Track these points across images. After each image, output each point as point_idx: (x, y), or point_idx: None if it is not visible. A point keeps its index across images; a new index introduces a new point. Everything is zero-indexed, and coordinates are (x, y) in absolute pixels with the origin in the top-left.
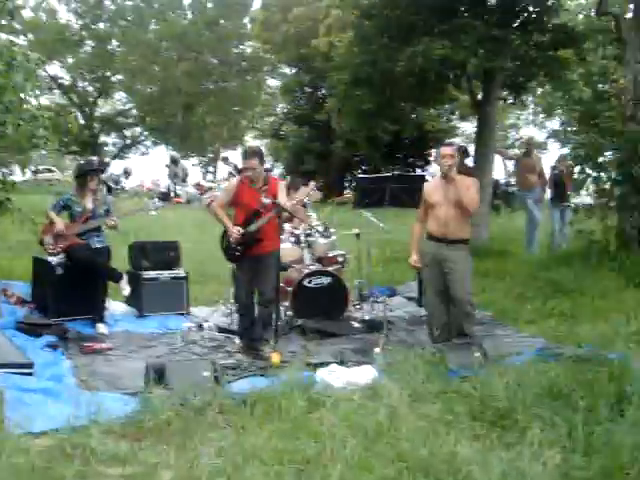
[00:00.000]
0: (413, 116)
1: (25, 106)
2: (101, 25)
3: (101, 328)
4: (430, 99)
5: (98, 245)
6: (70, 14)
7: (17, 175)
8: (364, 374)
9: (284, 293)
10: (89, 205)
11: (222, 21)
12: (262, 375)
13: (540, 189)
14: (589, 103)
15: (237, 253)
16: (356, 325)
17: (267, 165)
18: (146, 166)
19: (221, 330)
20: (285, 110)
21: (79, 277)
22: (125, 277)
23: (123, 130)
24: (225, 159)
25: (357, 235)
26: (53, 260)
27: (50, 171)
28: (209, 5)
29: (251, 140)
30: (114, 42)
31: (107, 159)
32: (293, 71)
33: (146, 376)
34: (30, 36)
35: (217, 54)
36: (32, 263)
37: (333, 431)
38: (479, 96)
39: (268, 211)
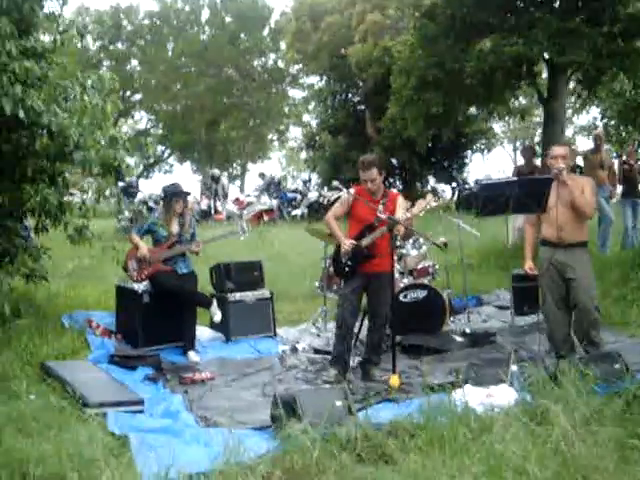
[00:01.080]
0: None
1: (102, 129)
2: (119, 45)
3: (193, 356)
4: (496, 99)
5: (185, 271)
6: (88, 36)
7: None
8: (504, 394)
9: None
10: (175, 229)
11: (242, 35)
12: (390, 400)
13: (610, 186)
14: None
15: (347, 268)
16: (459, 339)
17: (304, 176)
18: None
19: (317, 352)
20: (318, 120)
21: (167, 304)
22: (215, 302)
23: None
24: (262, 175)
25: (445, 244)
26: (139, 288)
27: (71, 194)
28: (227, 20)
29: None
30: (133, 61)
31: (132, 178)
32: (323, 80)
33: (275, 408)
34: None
35: (239, 68)
36: (116, 291)
37: (514, 462)
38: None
39: (383, 226)
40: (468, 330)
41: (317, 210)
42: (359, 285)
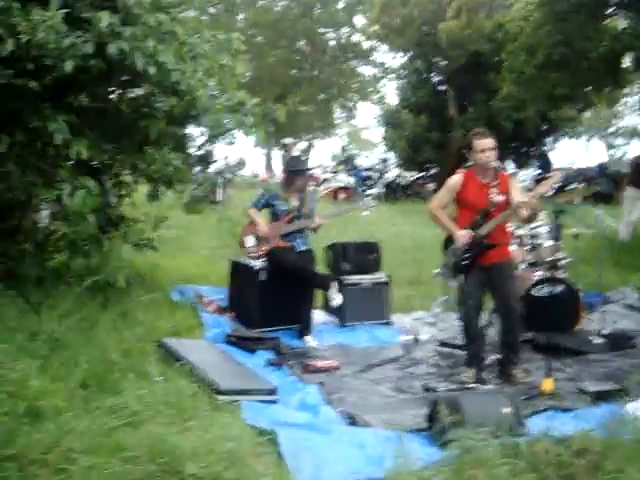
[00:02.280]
0: None
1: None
2: (190, 13)
3: (310, 341)
4: (620, 83)
5: (303, 248)
6: None
7: None
8: None
9: None
10: (295, 203)
11: (316, 7)
12: (560, 410)
13: None
14: None
15: (465, 262)
16: (596, 341)
17: (383, 155)
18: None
19: (443, 344)
20: (399, 97)
21: (284, 283)
22: (335, 284)
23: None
24: (343, 149)
25: (576, 236)
26: (256, 264)
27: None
28: None
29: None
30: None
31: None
32: (406, 57)
33: (433, 411)
34: None
35: (311, 41)
36: (230, 266)
37: None
38: None
39: (499, 211)
40: (605, 331)
41: (395, 190)
42: (481, 280)
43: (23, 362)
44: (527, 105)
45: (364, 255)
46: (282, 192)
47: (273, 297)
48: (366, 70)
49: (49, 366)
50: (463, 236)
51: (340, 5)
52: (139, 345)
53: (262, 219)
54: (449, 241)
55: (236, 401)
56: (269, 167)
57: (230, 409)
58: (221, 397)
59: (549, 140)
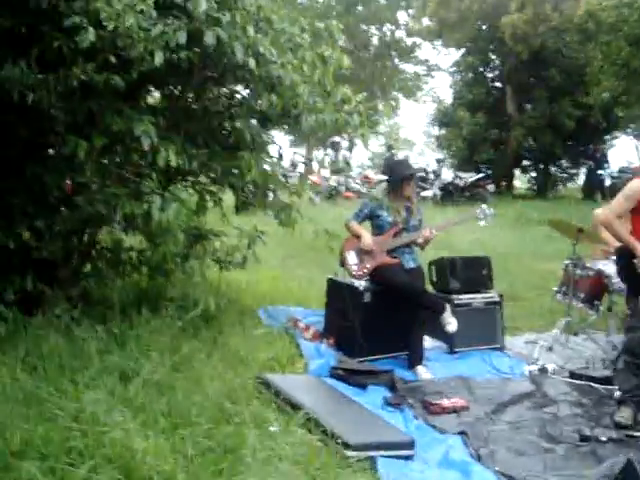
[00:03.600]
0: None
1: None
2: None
3: (423, 372)
4: None
5: (412, 265)
6: None
7: None
8: None
9: None
10: (402, 214)
11: (359, 5)
12: None
13: None
14: None
15: None
16: None
17: (438, 155)
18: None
19: (574, 376)
20: (454, 95)
21: (391, 306)
22: (449, 308)
23: None
24: (390, 147)
25: None
26: (360, 284)
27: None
28: None
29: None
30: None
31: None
32: (460, 52)
33: (622, 473)
34: None
35: (353, 37)
36: (328, 286)
37: None
38: None
39: None
40: None
41: (451, 192)
42: None
43: (118, 413)
44: (630, 100)
45: (474, 271)
46: (387, 201)
47: (379, 321)
48: (409, 68)
49: (151, 419)
50: None
51: (382, 1)
52: (242, 383)
53: (367, 233)
54: (621, 256)
55: (369, 457)
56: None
57: (363, 467)
58: (351, 453)
59: (608, 138)
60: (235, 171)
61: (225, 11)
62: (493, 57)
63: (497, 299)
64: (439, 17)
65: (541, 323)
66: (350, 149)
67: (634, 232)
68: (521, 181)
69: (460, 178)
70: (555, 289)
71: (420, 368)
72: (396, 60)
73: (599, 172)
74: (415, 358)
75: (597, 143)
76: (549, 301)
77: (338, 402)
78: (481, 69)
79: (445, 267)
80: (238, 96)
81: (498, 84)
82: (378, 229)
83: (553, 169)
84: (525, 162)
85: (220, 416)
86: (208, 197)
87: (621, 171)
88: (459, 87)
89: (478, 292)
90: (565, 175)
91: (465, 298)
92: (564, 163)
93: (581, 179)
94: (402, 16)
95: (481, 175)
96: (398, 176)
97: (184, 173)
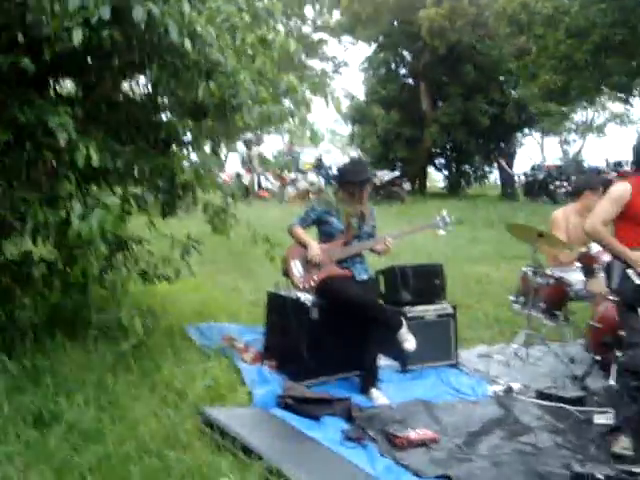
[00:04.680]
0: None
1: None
2: None
3: (380, 397)
4: None
5: (364, 277)
6: None
7: None
8: None
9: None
10: (354, 221)
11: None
12: None
13: None
14: None
15: None
16: None
17: (353, 153)
18: None
19: (543, 396)
20: (366, 91)
21: (342, 322)
22: (405, 323)
23: None
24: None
25: None
26: (306, 298)
27: None
28: None
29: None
30: None
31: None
32: (372, 48)
33: None
34: None
35: None
36: (267, 299)
37: None
38: None
39: None
40: None
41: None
42: None
43: (37, 475)
44: (570, 96)
45: (426, 281)
46: (337, 205)
47: (327, 339)
48: (316, 64)
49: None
50: None
51: None
52: (181, 422)
53: (313, 241)
54: (612, 267)
55: None
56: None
57: None
58: None
59: (519, 136)
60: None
61: None
62: (406, 53)
63: (450, 310)
64: (353, 11)
65: (490, 334)
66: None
67: (620, 240)
68: (430, 180)
69: (375, 176)
70: (511, 298)
71: (375, 392)
72: (303, 56)
73: (512, 170)
74: (369, 381)
75: (509, 141)
76: (493, 308)
77: (294, 441)
78: (394, 65)
79: (395, 277)
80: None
81: (411, 81)
82: (326, 236)
83: (466, 167)
84: (439, 160)
85: (160, 467)
86: (132, 201)
87: (533, 169)
88: (372, 84)
89: (430, 303)
90: (479, 173)
91: (417, 310)
92: (477, 161)
93: (494, 177)
94: (309, 11)
95: (397, 173)
96: (352, 180)
97: (107, 174)
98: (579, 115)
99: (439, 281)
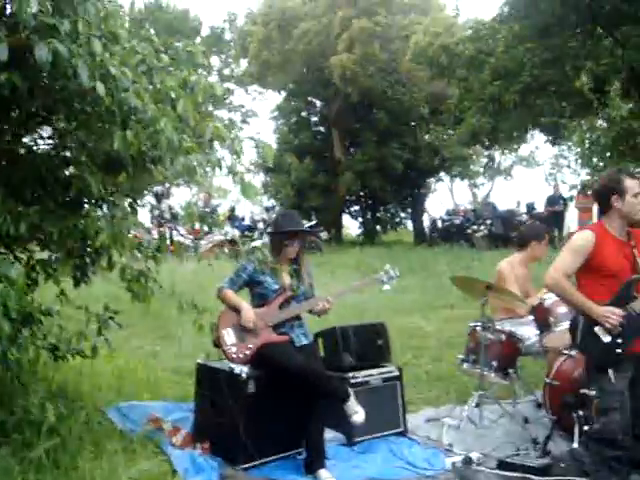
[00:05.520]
0: (427, 140)
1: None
2: None
3: (328, 479)
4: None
5: (305, 342)
6: None
7: None
8: None
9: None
10: (287, 280)
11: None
12: None
13: None
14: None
15: (618, 350)
16: None
17: (267, 203)
18: None
19: (504, 466)
20: (278, 141)
21: (282, 395)
22: (353, 393)
23: None
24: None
25: None
26: (241, 370)
27: None
28: (152, 31)
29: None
30: None
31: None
32: (282, 96)
33: None
34: None
35: None
36: (197, 372)
37: None
38: None
39: None
40: None
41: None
42: (630, 376)
43: None
44: (498, 139)
45: (369, 341)
46: (271, 262)
47: (267, 415)
48: (223, 114)
49: None
50: (612, 313)
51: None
52: None
53: (247, 304)
54: (577, 323)
55: None
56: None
57: None
58: None
59: (432, 181)
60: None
61: (63, 18)
62: (317, 100)
63: (396, 373)
64: (262, 59)
65: (434, 394)
66: (167, 197)
67: (584, 294)
68: (345, 227)
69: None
70: (461, 357)
71: (323, 472)
72: (210, 107)
73: (430, 216)
74: (316, 460)
75: (422, 187)
76: (432, 365)
77: None
78: (305, 113)
79: (336, 339)
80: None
81: (324, 128)
82: (260, 299)
83: (382, 213)
84: (354, 207)
85: None
86: (39, 267)
87: (449, 213)
88: (283, 132)
89: (375, 367)
90: (395, 220)
91: (361, 375)
92: (392, 207)
93: (410, 223)
94: (214, 60)
95: (313, 222)
96: (284, 231)
97: (8, 240)
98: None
99: (383, 341)
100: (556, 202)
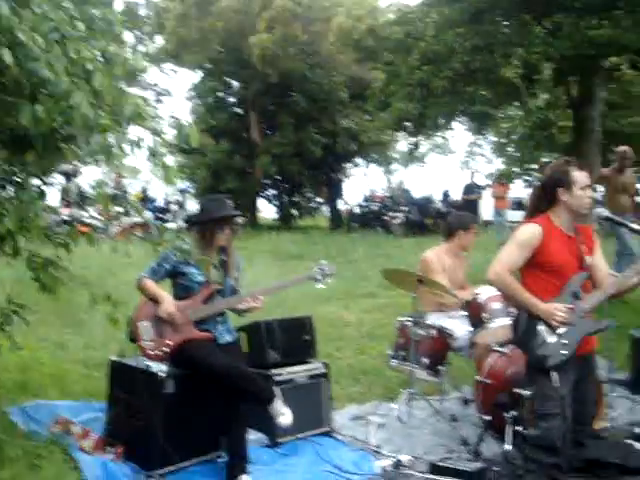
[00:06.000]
0: (345, 125)
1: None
2: None
3: None
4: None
5: (229, 339)
6: None
7: None
8: None
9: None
10: (214, 272)
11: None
12: None
13: (633, 214)
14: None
15: (563, 352)
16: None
17: (181, 185)
18: None
19: (440, 471)
20: (196, 121)
21: (202, 395)
22: (280, 393)
23: None
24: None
25: None
26: (160, 369)
27: None
28: None
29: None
30: None
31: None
32: (199, 75)
33: None
34: None
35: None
36: (110, 370)
37: None
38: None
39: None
40: (638, 429)
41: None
42: (574, 379)
43: None
44: (426, 125)
45: (294, 336)
46: (196, 252)
47: (186, 417)
48: (137, 92)
49: None
50: (559, 311)
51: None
52: None
53: (168, 295)
54: (520, 321)
55: None
56: None
57: None
58: None
59: (349, 166)
60: None
61: None
62: (235, 81)
63: (323, 370)
64: (178, 36)
65: (359, 389)
66: (75, 175)
67: (529, 287)
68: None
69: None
70: (389, 353)
71: (245, 479)
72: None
73: (344, 202)
74: (238, 465)
75: (339, 172)
76: (355, 358)
77: None
78: (221, 94)
79: (261, 334)
80: None
81: (241, 110)
82: (183, 291)
83: (298, 198)
84: (270, 191)
85: None
86: None
87: (366, 199)
88: (200, 113)
89: (301, 363)
90: (311, 205)
91: (286, 373)
92: (308, 192)
93: (326, 208)
94: (129, 37)
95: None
96: (210, 218)
97: None
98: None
99: (309, 336)
100: (473, 191)
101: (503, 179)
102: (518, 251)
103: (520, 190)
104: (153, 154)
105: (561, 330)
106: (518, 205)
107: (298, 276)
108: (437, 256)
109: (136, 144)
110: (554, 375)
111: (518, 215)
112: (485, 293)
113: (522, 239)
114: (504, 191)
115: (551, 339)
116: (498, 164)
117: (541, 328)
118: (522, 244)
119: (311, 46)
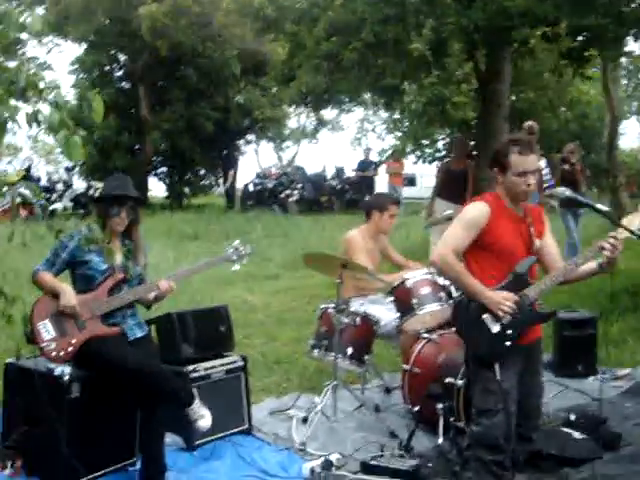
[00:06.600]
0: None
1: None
2: None
3: None
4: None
5: (139, 334)
6: None
7: None
8: None
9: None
10: (118, 259)
11: None
12: None
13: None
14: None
15: (507, 342)
16: (577, 435)
17: (67, 163)
18: None
19: (373, 471)
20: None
21: (112, 399)
22: (196, 392)
23: None
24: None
25: None
26: (63, 371)
27: None
28: None
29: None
30: None
31: None
32: (83, 48)
33: None
34: None
35: None
36: (5, 374)
37: None
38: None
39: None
40: (573, 416)
41: (85, 205)
42: (517, 367)
43: None
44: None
45: (209, 328)
46: (98, 237)
47: (94, 424)
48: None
49: None
50: (506, 300)
51: None
52: None
53: (68, 287)
54: (461, 308)
55: None
56: None
57: None
58: None
59: (242, 143)
60: None
61: None
62: (122, 54)
63: (241, 363)
64: (60, 7)
65: (275, 380)
66: None
67: (475, 275)
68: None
69: (95, 188)
70: (311, 342)
71: None
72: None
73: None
74: (154, 473)
75: (232, 149)
76: (267, 346)
77: None
78: (107, 67)
79: (173, 327)
80: None
81: (129, 84)
82: (85, 282)
83: (190, 176)
84: (161, 169)
85: None
86: None
87: (259, 176)
88: (84, 87)
89: (217, 357)
90: (204, 183)
91: (202, 368)
92: (201, 169)
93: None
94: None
95: None
96: (107, 196)
97: None
98: (293, 121)
99: (225, 327)
100: (367, 167)
101: (397, 155)
102: (464, 232)
103: (412, 166)
104: (53, 129)
105: (505, 319)
106: (410, 181)
107: (212, 259)
108: (362, 236)
109: (33, 118)
110: (497, 367)
111: (412, 191)
112: (414, 277)
113: (468, 218)
114: (399, 167)
115: (495, 329)
116: (390, 140)
117: (485, 316)
118: (468, 224)
119: (203, 18)
